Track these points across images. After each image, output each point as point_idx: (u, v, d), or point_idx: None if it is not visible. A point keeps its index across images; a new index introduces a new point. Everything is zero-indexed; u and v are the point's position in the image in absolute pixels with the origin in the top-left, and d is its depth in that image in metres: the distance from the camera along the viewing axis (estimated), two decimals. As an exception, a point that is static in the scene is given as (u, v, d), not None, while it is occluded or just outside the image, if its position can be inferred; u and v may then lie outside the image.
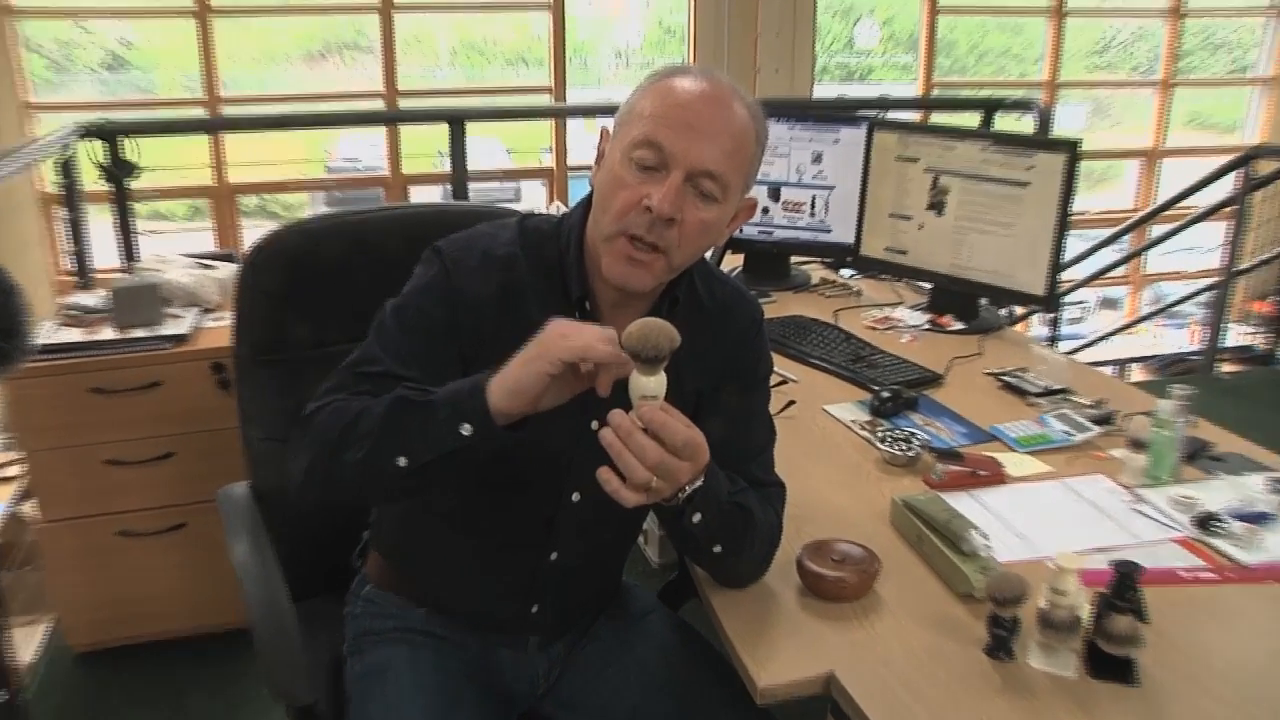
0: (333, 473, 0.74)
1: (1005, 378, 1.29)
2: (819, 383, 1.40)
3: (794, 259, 2.05)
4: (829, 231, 1.88)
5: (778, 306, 1.82)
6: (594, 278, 0.84)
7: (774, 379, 1.01)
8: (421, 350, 0.80)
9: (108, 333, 1.33)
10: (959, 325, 1.58)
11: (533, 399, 0.69)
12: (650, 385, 0.69)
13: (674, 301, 0.86)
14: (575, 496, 0.88)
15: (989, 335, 1.49)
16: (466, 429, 0.69)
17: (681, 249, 0.78)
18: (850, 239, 1.85)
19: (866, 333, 1.56)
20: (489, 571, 0.87)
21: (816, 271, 2.07)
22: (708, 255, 0.92)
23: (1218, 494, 0.99)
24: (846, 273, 2.08)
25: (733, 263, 2.09)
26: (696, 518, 0.77)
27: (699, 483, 0.77)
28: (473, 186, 2.24)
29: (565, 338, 0.68)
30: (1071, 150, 1.38)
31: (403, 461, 0.71)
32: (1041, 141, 1.41)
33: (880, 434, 1.17)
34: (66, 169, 1.67)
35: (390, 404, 0.72)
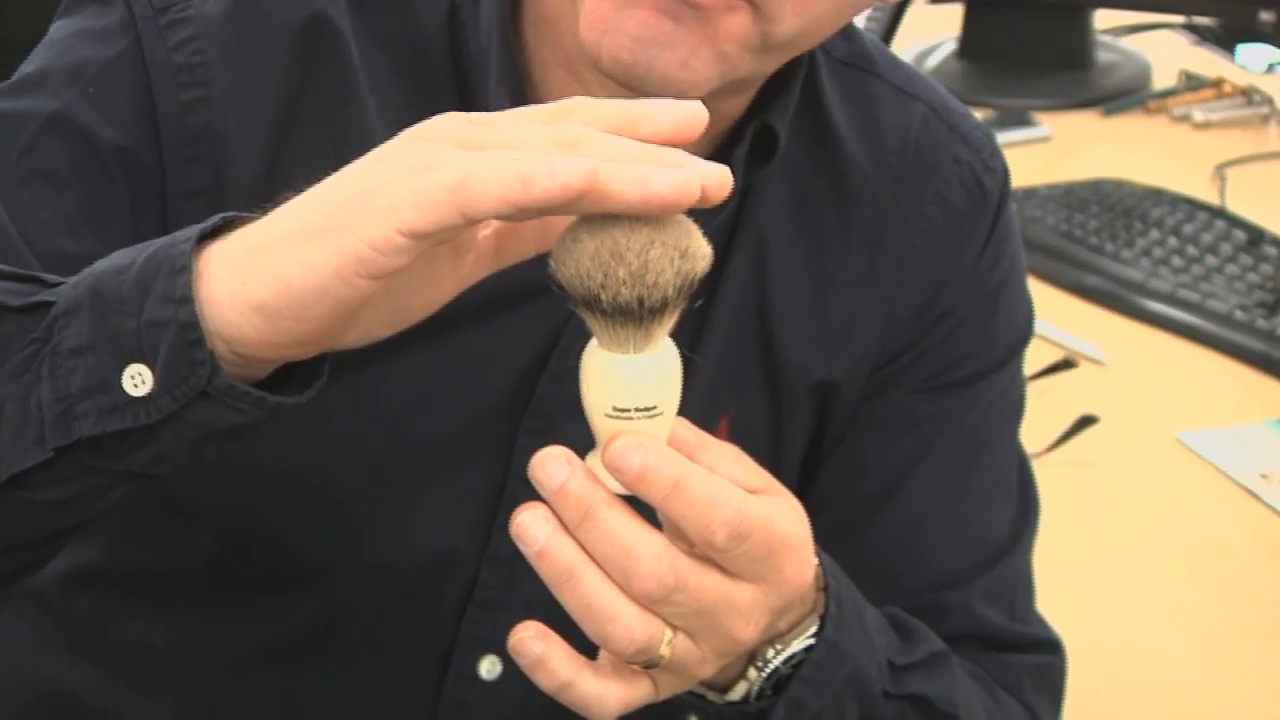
0: None
1: None
2: (1167, 365, 1.45)
3: (1103, 18, 2.06)
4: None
5: (1056, 152, 1.84)
6: (544, 72, 0.85)
7: (1035, 357, 1.01)
8: (63, 221, 0.80)
9: None
10: None
11: (326, 323, 0.64)
12: (634, 381, 0.66)
13: (766, 142, 0.87)
14: (488, 669, 0.90)
15: None
16: (137, 379, 0.65)
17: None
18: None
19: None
20: None
21: (1167, 51, 2.09)
22: (862, 20, 0.92)
23: None
24: (1251, 57, 2.08)
25: (936, 29, 2.15)
26: None
27: (803, 640, 0.76)
28: None
29: (416, 168, 0.61)
30: None
31: None
32: None
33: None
34: None
35: None
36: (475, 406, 0.86)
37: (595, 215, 0.63)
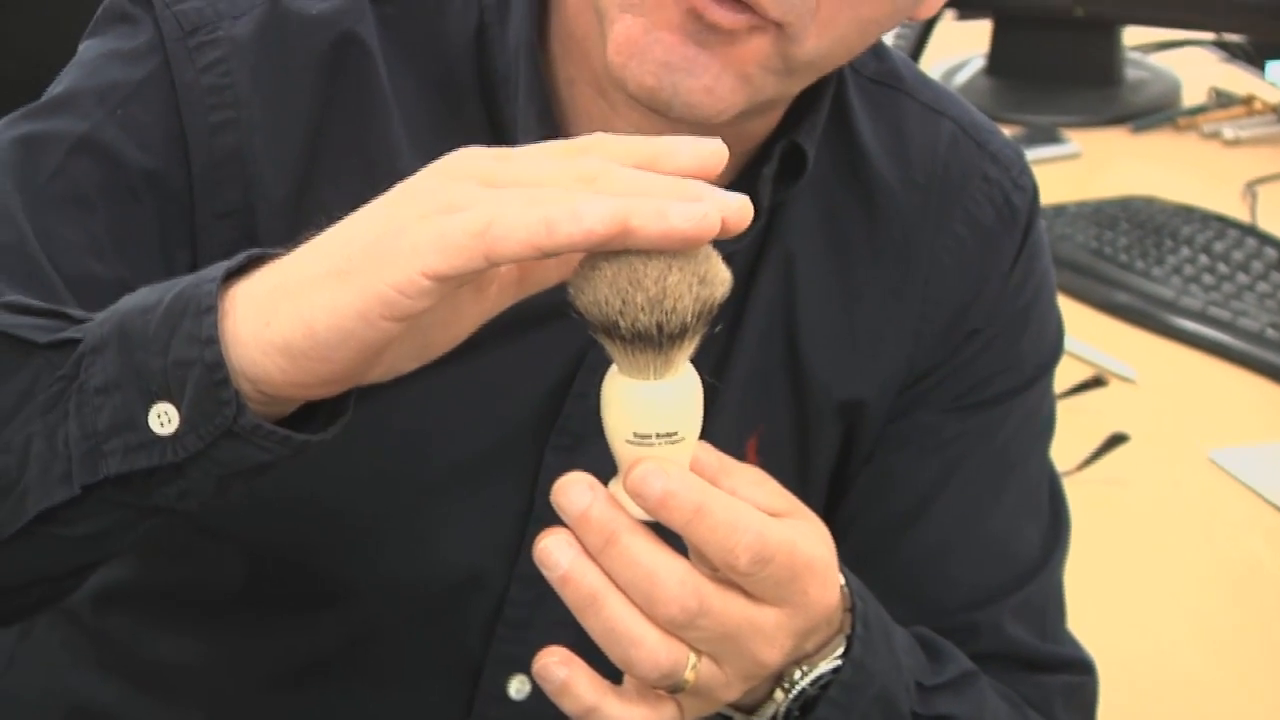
0: None
1: None
2: (1198, 383, 1.45)
3: (1132, 34, 2.06)
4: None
5: (1085, 170, 1.84)
6: (570, 90, 0.85)
7: (1065, 375, 1.01)
8: (91, 244, 0.81)
9: None
10: None
11: (351, 363, 0.64)
12: (655, 408, 0.66)
13: (794, 160, 0.87)
14: (517, 689, 0.91)
15: None
16: (163, 418, 0.66)
17: (822, 20, 0.78)
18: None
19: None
20: None
21: (1197, 68, 2.08)
22: (890, 37, 0.92)
23: None
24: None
25: (964, 46, 2.15)
26: None
27: (830, 661, 0.76)
28: None
29: (440, 208, 0.61)
30: None
31: None
32: None
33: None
34: None
35: None
36: (502, 426, 0.86)
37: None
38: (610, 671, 0.68)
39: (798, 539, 0.68)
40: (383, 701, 0.91)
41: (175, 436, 0.64)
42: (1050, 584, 0.95)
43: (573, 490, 0.65)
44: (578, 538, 0.65)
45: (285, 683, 0.91)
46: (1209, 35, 2.11)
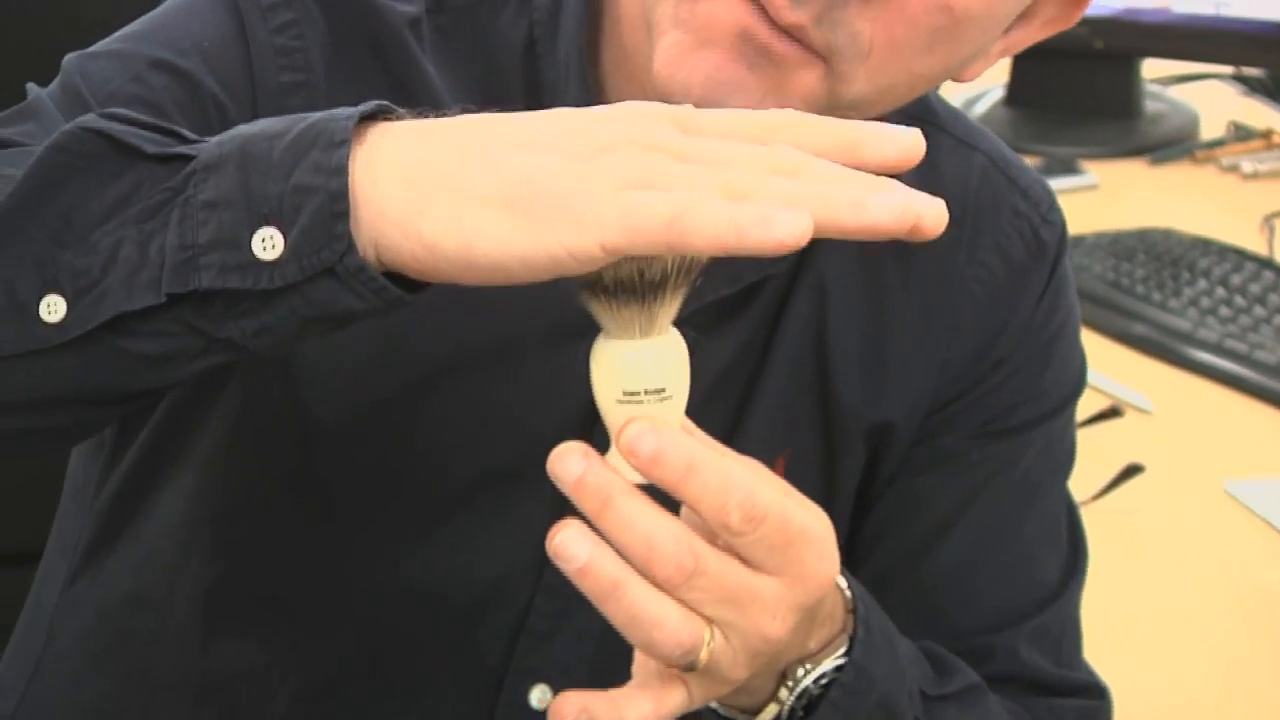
0: None
1: None
2: (1214, 415, 1.46)
3: (1151, 67, 2.08)
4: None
5: (1103, 201, 1.85)
6: (621, 101, 0.88)
7: (1081, 405, 1.04)
8: None
9: None
10: None
11: (484, 281, 0.64)
12: (642, 364, 0.67)
13: None
14: (539, 698, 0.92)
15: None
16: (267, 243, 0.64)
17: (873, 66, 0.79)
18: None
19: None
20: None
21: (1216, 102, 2.10)
22: None
23: None
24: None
25: (983, 76, 2.12)
26: None
27: (832, 660, 0.76)
28: None
29: (632, 181, 0.61)
30: None
31: (51, 310, 0.67)
32: None
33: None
34: None
35: (55, 147, 0.68)
36: (533, 437, 0.85)
37: None
38: (626, 666, 0.69)
39: (790, 504, 0.68)
40: (404, 711, 0.92)
41: (276, 263, 0.63)
42: (1067, 611, 0.97)
43: (568, 458, 0.65)
44: (576, 505, 0.65)
45: (308, 694, 0.92)
46: (1228, 69, 2.13)
